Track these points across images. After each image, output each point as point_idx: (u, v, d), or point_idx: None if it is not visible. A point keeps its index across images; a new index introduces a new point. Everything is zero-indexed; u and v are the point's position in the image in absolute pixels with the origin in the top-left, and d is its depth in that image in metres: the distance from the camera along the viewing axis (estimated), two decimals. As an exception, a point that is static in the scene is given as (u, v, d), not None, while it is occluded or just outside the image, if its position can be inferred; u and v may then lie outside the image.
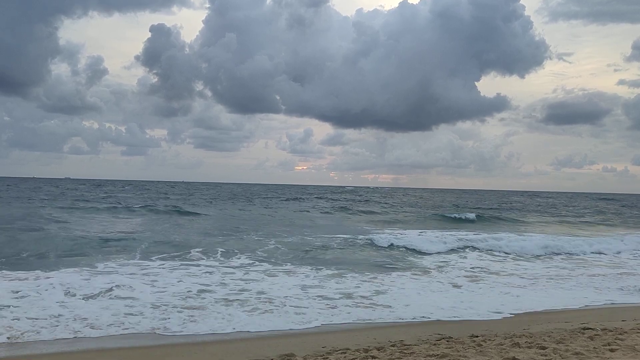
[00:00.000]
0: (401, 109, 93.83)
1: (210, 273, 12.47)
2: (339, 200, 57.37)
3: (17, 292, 9.63)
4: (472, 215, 36.38)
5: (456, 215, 35.97)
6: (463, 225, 30.62)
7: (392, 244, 18.81)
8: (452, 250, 18.50)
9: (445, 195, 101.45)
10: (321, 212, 37.40)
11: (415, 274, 13.52)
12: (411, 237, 20.74)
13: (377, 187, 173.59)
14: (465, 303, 10.14)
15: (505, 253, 18.45)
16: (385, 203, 54.86)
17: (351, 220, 31.72)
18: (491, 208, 50.48)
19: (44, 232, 18.91)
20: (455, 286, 12.00)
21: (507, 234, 23.90)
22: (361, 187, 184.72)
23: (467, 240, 20.16)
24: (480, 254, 18.15)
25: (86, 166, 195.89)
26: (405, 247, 18.41)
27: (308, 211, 38.34)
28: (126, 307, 9.04)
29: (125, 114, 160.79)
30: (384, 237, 20.27)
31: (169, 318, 8.44)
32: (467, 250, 18.78)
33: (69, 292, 9.86)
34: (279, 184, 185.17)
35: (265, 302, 9.69)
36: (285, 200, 55.09)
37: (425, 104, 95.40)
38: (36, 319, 8.07)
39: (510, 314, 9.45)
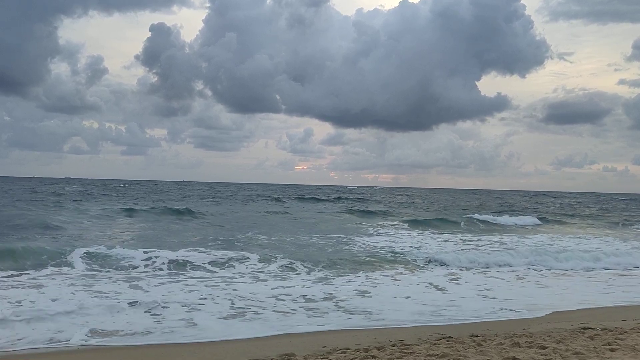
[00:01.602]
0: (401, 109, 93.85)
1: (200, 276, 12.19)
2: (350, 200, 56.00)
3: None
4: (534, 219, 32.86)
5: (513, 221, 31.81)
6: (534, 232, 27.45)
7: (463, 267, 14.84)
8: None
9: (456, 195, 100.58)
10: (346, 213, 35.52)
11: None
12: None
13: (384, 187, 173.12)
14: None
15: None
16: (401, 203, 53.08)
17: (376, 222, 29.90)
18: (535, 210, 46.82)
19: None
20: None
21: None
22: (364, 186, 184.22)
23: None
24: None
25: (86, 166, 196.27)
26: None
27: (326, 212, 36.81)
28: (124, 307, 9.04)
29: (125, 114, 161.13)
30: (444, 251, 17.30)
31: (165, 318, 8.48)
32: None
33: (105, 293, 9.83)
34: (279, 184, 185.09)
35: (257, 306, 9.50)
36: (299, 200, 53.53)
37: (425, 103, 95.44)
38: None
39: None
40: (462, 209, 45.09)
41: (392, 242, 20.52)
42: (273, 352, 6.62)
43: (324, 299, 10.20)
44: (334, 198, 59.25)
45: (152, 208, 31.57)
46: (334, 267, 13.96)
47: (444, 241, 21.48)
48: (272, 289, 10.98)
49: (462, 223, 30.16)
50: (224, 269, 13.03)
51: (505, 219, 32.60)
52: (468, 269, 14.56)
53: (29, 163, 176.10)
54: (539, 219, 34.11)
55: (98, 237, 18.54)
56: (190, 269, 12.91)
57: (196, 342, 7.37)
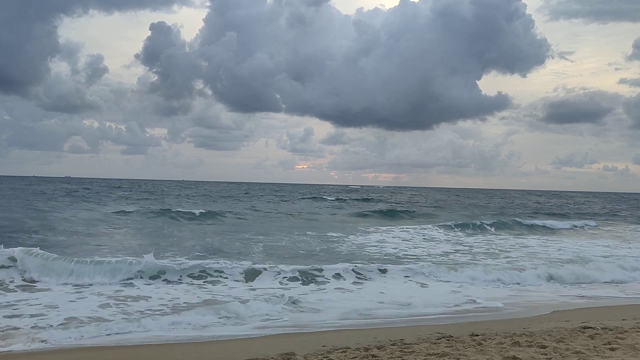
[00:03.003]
0: (402, 108, 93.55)
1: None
2: (370, 200, 54.51)
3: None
4: (592, 223, 31.50)
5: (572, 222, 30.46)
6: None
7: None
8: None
9: (464, 194, 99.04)
10: (383, 215, 33.90)
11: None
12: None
13: (387, 187, 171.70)
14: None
15: None
16: (420, 203, 50.94)
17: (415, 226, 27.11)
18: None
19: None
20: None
21: None
22: (367, 186, 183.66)
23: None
24: None
25: (86, 165, 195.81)
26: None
27: (365, 214, 34.83)
28: (135, 307, 9.03)
29: (125, 113, 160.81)
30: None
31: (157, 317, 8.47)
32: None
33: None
34: (279, 183, 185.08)
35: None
36: (316, 200, 51.80)
37: (426, 102, 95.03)
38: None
39: None
40: (490, 210, 43.76)
41: (460, 247, 19.58)
42: (273, 351, 6.62)
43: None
44: (362, 199, 57.51)
45: (205, 214, 29.72)
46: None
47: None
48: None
49: (522, 226, 28.77)
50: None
51: (563, 223, 31.10)
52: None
53: (28, 162, 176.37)
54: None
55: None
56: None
57: (197, 342, 7.38)
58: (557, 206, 56.39)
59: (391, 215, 34.77)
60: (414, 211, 37.35)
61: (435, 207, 46.68)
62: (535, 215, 37.92)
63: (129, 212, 28.79)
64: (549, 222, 30.93)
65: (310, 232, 22.29)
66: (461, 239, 22.82)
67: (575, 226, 30.40)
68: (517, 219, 31.26)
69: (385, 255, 16.53)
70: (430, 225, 27.20)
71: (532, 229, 28.33)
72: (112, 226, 22.56)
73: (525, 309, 9.96)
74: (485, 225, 27.44)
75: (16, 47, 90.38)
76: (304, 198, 57.06)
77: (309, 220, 29.49)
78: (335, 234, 22.10)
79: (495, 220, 29.25)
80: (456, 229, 26.07)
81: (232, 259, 13.89)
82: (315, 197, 58.42)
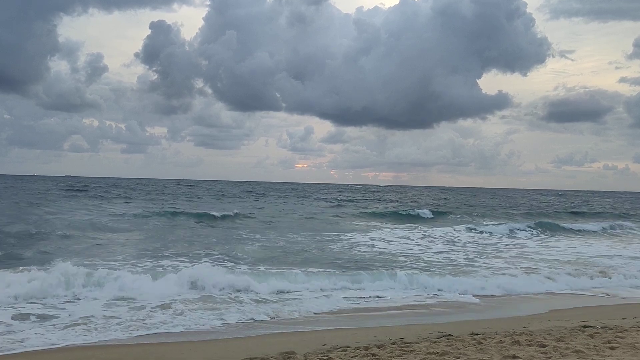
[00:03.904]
0: (402, 107, 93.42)
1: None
2: (374, 200, 53.39)
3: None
4: (627, 223, 30.19)
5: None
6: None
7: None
8: None
9: (469, 193, 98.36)
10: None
11: None
12: None
13: (388, 186, 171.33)
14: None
15: None
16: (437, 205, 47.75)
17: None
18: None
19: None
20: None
21: None
22: (368, 185, 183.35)
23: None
24: None
25: (86, 164, 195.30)
26: None
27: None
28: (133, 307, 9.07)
29: (125, 112, 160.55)
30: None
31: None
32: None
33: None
34: (279, 182, 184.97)
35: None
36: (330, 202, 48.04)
37: (426, 101, 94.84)
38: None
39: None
40: (505, 209, 42.47)
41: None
42: (273, 350, 6.62)
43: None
44: (371, 199, 55.86)
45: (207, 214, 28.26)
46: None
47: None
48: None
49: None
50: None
51: (596, 225, 29.10)
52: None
53: (28, 161, 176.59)
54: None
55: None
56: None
57: (197, 340, 7.39)
58: (569, 205, 54.81)
59: (399, 215, 33.16)
60: (432, 211, 35.29)
61: (443, 206, 45.46)
62: (557, 215, 36.99)
63: (131, 213, 28.47)
64: (582, 225, 28.78)
65: (306, 233, 22.23)
66: (491, 242, 21.86)
67: (612, 227, 28.63)
68: (554, 221, 29.82)
69: (379, 254, 16.46)
70: (457, 227, 25.71)
71: (565, 231, 26.64)
72: (119, 227, 22.16)
73: (500, 305, 10.16)
74: (527, 229, 25.78)
75: (16, 45, 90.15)
76: (304, 197, 56.97)
77: (309, 220, 29.38)
78: (336, 233, 22.12)
79: (532, 223, 27.79)
80: (478, 232, 24.40)
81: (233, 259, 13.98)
82: (316, 197, 58.29)
